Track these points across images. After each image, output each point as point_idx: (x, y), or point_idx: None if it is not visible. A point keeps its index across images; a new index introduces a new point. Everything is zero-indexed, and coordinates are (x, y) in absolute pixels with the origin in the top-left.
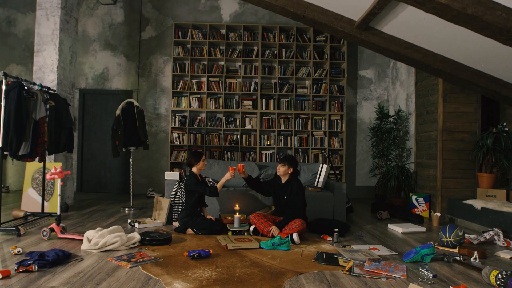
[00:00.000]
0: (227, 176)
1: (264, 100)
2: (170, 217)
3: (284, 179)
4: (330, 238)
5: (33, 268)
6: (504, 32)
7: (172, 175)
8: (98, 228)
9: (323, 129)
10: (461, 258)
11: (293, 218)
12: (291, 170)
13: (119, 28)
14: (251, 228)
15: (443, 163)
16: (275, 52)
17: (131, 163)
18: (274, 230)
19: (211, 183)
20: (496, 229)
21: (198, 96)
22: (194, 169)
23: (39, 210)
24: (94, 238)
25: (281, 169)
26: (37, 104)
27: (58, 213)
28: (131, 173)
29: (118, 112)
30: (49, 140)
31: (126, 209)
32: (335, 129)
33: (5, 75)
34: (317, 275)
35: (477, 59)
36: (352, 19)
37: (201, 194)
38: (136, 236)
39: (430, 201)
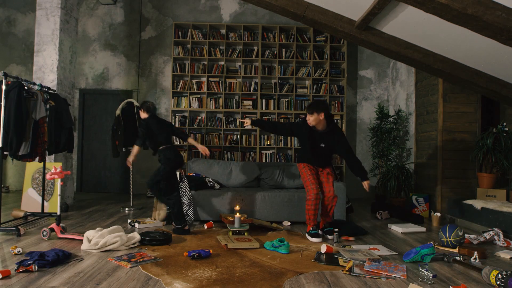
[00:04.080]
0: (200, 149)
1: (264, 100)
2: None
3: (321, 127)
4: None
5: (33, 268)
6: (504, 32)
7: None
8: (98, 228)
9: None
10: (461, 258)
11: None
12: (322, 116)
13: (119, 28)
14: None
15: (443, 163)
16: (275, 52)
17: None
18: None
19: (211, 183)
20: (496, 229)
21: (198, 96)
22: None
23: (39, 210)
24: (94, 238)
25: (311, 120)
26: (37, 104)
27: (58, 213)
28: (131, 173)
29: (118, 112)
30: (49, 140)
31: (126, 209)
32: None
33: (5, 75)
34: (317, 275)
35: (477, 59)
36: (352, 19)
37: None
38: (136, 236)
39: (430, 201)
